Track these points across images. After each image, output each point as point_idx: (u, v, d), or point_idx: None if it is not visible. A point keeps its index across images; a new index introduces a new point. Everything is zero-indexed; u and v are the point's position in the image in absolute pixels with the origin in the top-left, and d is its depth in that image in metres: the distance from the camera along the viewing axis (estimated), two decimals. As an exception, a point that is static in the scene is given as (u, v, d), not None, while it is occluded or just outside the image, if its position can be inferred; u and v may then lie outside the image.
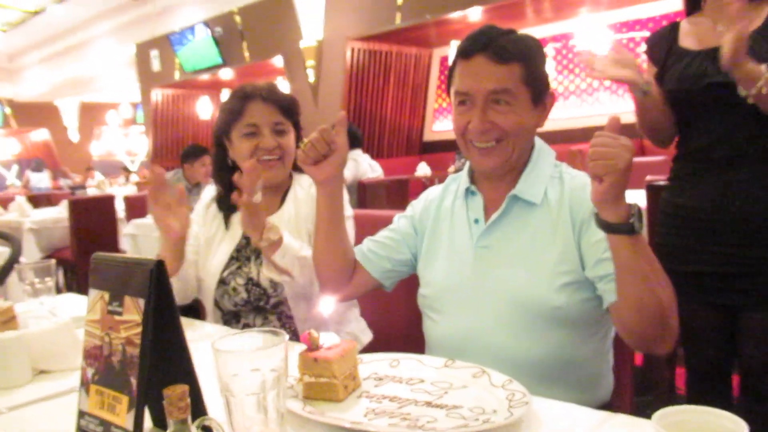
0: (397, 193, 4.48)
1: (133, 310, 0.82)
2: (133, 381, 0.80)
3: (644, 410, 0.97)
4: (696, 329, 1.73)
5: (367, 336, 1.74)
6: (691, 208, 1.67)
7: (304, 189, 1.69)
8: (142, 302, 0.81)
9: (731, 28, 1.42)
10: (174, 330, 0.83)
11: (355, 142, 4.73)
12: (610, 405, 1.29)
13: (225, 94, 11.14)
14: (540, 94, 1.26)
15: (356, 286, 1.42)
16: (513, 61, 1.22)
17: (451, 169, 6.59)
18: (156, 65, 10.60)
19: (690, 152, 1.69)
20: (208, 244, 1.69)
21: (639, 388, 2.28)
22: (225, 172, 1.69)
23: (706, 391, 1.75)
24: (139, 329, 0.81)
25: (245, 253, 1.65)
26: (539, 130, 1.30)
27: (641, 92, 1.62)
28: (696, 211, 1.65)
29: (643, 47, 1.81)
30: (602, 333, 1.26)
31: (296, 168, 1.70)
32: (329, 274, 1.39)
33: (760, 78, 1.43)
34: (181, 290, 1.61)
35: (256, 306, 1.61)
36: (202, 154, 4.47)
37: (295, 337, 1.50)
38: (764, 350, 1.58)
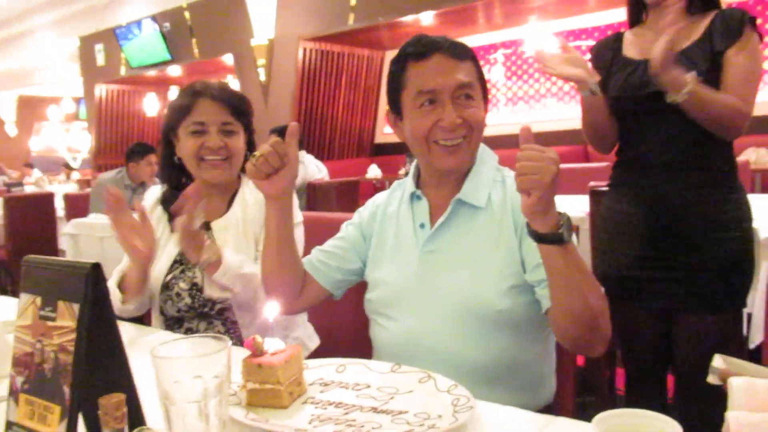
0: (348, 195, 4.46)
1: (67, 316, 0.79)
2: (66, 390, 0.77)
3: (585, 410, 1.00)
4: (633, 332, 1.79)
5: (314, 341, 1.72)
6: (628, 214, 1.72)
7: (252, 192, 1.66)
8: (76, 307, 0.78)
9: (661, 36, 1.48)
10: (111, 336, 0.80)
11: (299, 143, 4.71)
12: (552, 406, 1.32)
13: (173, 92, 10.87)
14: (486, 93, 1.31)
15: (306, 298, 1.39)
16: (467, 58, 1.26)
17: (402, 171, 6.62)
18: (100, 60, 10.27)
19: (629, 159, 1.74)
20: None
21: (580, 389, 2.33)
22: (172, 170, 1.65)
23: (643, 391, 1.81)
24: (74, 336, 0.77)
25: None
26: (486, 133, 1.32)
27: (589, 92, 1.66)
28: (633, 217, 1.70)
29: (588, 56, 1.86)
30: (546, 335, 1.29)
31: (244, 170, 1.67)
32: (280, 289, 1.35)
33: (686, 84, 1.49)
34: (142, 306, 1.58)
35: (200, 312, 1.57)
36: (148, 153, 4.36)
37: (239, 342, 1.47)
38: (697, 352, 1.64)
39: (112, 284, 1.50)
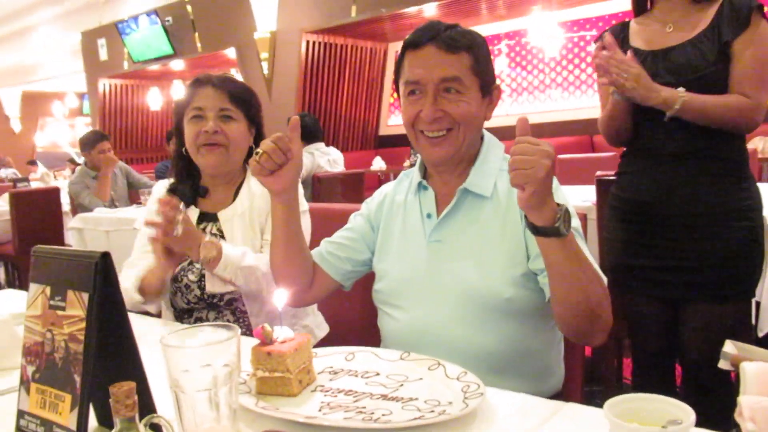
0: (353, 188, 4.46)
1: (76, 305, 0.79)
2: (77, 378, 0.77)
3: (593, 399, 0.99)
4: (641, 322, 1.79)
5: (323, 330, 1.72)
6: (636, 202, 1.71)
7: (258, 183, 1.66)
8: (86, 297, 0.78)
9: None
10: (121, 325, 0.80)
11: (316, 135, 4.75)
12: (561, 394, 1.32)
13: (176, 86, 10.87)
14: (488, 86, 1.28)
15: (317, 290, 1.40)
16: (462, 50, 1.23)
17: (407, 163, 6.61)
18: (103, 54, 10.26)
19: (638, 148, 1.73)
20: None
21: (588, 378, 2.33)
22: (180, 163, 1.67)
23: (651, 380, 1.81)
24: (83, 325, 0.77)
25: None
26: (489, 125, 1.32)
27: (624, 96, 1.64)
28: (641, 206, 1.70)
29: (593, 46, 1.85)
30: (554, 324, 1.28)
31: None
32: (290, 281, 1.34)
33: (677, 101, 1.54)
34: (157, 306, 1.60)
35: (209, 303, 1.58)
36: (99, 141, 4.43)
37: (249, 332, 1.48)
38: (706, 341, 1.63)
39: (129, 287, 1.49)
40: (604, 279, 1.14)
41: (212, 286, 1.53)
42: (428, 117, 1.23)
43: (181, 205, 1.40)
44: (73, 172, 10.87)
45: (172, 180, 1.71)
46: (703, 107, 1.55)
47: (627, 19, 1.82)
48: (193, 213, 1.65)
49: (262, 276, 1.48)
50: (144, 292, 1.50)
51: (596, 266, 1.13)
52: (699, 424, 0.72)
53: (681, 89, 1.55)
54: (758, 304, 2.03)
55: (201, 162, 1.60)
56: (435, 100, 1.22)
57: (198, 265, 1.58)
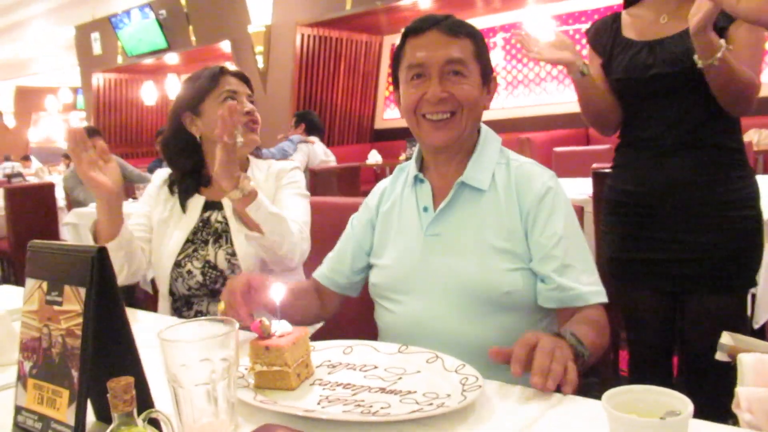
0: (348, 181, 4.45)
1: (73, 300, 0.78)
2: (75, 374, 0.76)
3: (590, 392, 1.00)
4: (639, 314, 1.79)
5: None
6: (633, 194, 1.71)
7: (261, 170, 1.71)
8: (83, 291, 0.77)
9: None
10: (118, 320, 0.80)
11: (317, 130, 5.23)
12: (558, 387, 1.32)
13: (171, 80, 10.81)
14: (487, 75, 1.30)
15: (329, 307, 1.44)
16: (464, 36, 1.25)
17: (402, 157, 6.60)
18: (97, 48, 10.21)
19: (634, 140, 1.73)
20: (161, 226, 1.66)
21: (585, 371, 2.33)
22: (184, 155, 1.67)
23: (648, 373, 1.81)
24: (80, 320, 0.77)
25: (201, 236, 1.62)
26: (485, 119, 1.32)
27: (579, 73, 1.66)
28: (639, 198, 1.69)
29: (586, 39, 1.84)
30: (551, 317, 1.29)
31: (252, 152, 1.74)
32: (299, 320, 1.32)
33: (719, 49, 1.46)
34: (124, 260, 1.52)
35: (211, 289, 1.58)
36: (90, 137, 4.41)
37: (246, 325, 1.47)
38: (705, 333, 1.63)
39: (87, 232, 1.52)
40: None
41: (239, 225, 1.49)
42: (434, 97, 1.23)
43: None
44: (67, 167, 10.83)
45: (172, 173, 1.72)
46: (736, 67, 1.50)
47: (618, 11, 1.81)
48: (198, 201, 1.66)
49: (287, 229, 1.49)
50: (98, 238, 1.49)
51: None
52: (697, 415, 0.72)
53: (723, 40, 1.48)
54: (754, 295, 2.04)
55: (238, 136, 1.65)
56: (440, 81, 1.23)
57: (203, 252, 1.58)
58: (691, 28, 1.46)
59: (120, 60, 9.92)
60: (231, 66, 1.73)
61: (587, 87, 1.69)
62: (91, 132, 4.54)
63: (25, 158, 12.54)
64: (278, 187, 1.67)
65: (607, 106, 1.72)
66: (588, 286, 1.19)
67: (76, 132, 1.44)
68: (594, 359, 1.09)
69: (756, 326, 2.11)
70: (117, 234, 1.48)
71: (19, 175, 8.50)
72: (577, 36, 6.88)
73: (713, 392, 1.49)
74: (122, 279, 1.53)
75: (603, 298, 1.21)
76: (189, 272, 1.58)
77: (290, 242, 1.50)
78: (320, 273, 1.43)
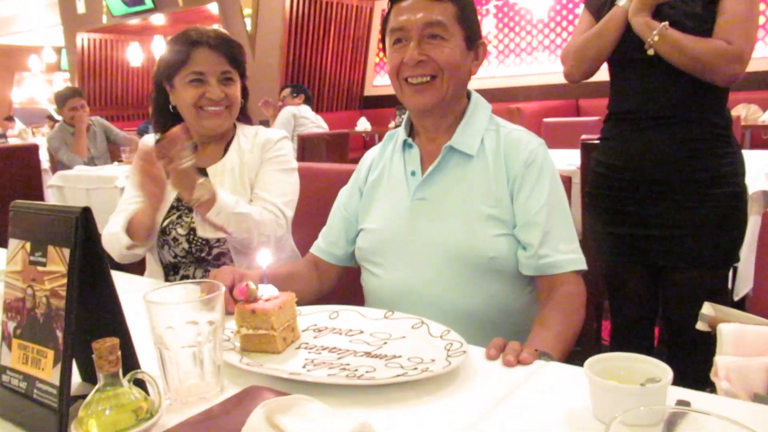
0: (337, 148, 4.42)
1: (57, 261, 0.78)
2: (59, 334, 0.76)
3: (573, 359, 1.01)
4: (622, 287, 1.81)
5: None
6: (615, 167, 1.71)
7: (248, 138, 1.67)
8: (67, 252, 0.77)
9: None
10: (103, 281, 0.79)
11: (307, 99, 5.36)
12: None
13: (157, 41, 10.60)
14: (473, 38, 1.28)
15: (328, 280, 1.43)
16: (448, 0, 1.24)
17: (392, 124, 6.56)
18: (81, 7, 9.94)
19: (619, 113, 1.73)
20: None
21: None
22: (166, 118, 1.64)
23: (630, 342, 1.84)
24: (65, 280, 0.76)
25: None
26: (476, 87, 1.32)
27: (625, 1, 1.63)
28: (620, 171, 1.70)
29: (581, 8, 1.83)
30: (535, 285, 1.30)
31: (239, 118, 1.68)
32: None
33: (655, 29, 1.53)
34: (145, 250, 1.58)
35: (197, 257, 1.58)
36: (70, 98, 4.37)
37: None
38: (686, 306, 1.65)
39: (118, 229, 1.49)
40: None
41: (203, 231, 1.52)
42: (411, 60, 1.23)
43: (190, 143, 1.43)
44: (52, 128, 10.66)
45: (158, 136, 1.68)
46: (683, 41, 1.53)
47: None
48: None
49: (254, 224, 1.48)
50: (132, 233, 1.49)
51: None
52: (676, 383, 0.74)
53: (665, 23, 1.54)
54: (735, 268, 2.07)
55: (202, 124, 1.59)
56: (419, 45, 1.23)
57: (187, 219, 1.57)
58: (630, 15, 1.56)
59: (105, 20, 9.67)
60: (219, 29, 1.68)
61: (620, 20, 1.64)
62: (71, 93, 4.46)
63: (8, 119, 12.30)
64: (263, 160, 1.63)
65: (608, 50, 1.69)
66: (565, 255, 1.21)
67: (147, 150, 1.40)
68: (569, 347, 1.13)
69: (736, 298, 2.14)
70: (152, 235, 1.53)
71: (3, 136, 8.35)
72: (570, 5, 6.81)
73: (693, 361, 1.52)
74: (126, 261, 1.56)
75: (580, 266, 1.22)
76: (174, 239, 1.57)
77: (260, 234, 1.49)
78: (317, 247, 1.44)
